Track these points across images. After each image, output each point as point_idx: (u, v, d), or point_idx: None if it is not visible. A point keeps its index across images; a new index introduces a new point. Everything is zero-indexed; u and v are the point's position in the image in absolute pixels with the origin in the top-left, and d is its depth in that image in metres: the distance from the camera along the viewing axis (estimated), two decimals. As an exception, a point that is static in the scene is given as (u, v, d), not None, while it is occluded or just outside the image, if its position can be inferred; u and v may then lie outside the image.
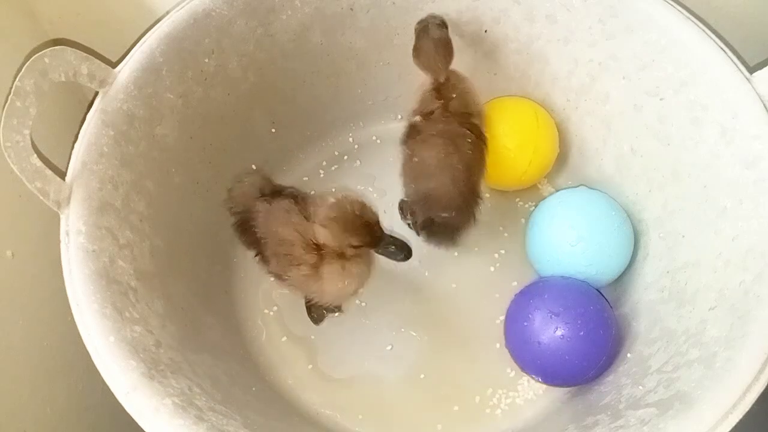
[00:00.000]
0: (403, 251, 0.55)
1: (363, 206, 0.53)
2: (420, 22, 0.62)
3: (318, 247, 0.55)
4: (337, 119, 0.74)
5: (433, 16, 0.62)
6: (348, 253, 0.55)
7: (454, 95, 0.61)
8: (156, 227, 0.56)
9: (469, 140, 0.61)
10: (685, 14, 0.56)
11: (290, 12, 0.63)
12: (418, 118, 0.62)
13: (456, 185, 0.60)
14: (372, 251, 0.56)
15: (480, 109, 0.63)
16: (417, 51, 0.62)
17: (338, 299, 0.59)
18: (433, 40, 0.61)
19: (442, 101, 0.61)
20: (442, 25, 0.62)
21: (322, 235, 0.53)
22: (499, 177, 0.70)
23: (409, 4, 0.66)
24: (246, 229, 0.59)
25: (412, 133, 0.62)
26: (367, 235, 0.53)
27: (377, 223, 0.54)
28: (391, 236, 0.55)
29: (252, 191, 0.59)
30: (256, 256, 0.60)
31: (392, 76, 0.72)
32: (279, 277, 0.59)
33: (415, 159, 0.61)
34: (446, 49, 0.61)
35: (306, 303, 0.66)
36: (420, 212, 0.64)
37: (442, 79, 0.61)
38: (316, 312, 0.66)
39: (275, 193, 0.59)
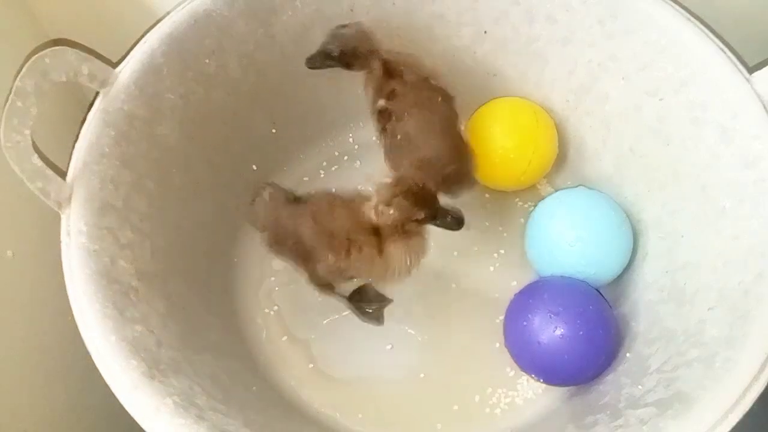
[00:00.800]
0: (460, 221, 0.56)
1: (423, 181, 0.54)
2: (320, 51, 0.61)
3: (376, 230, 0.55)
4: (337, 119, 0.74)
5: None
6: (409, 229, 0.55)
7: (402, 67, 0.61)
8: (157, 227, 0.56)
9: (440, 98, 0.61)
10: (685, 14, 0.57)
11: (291, 13, 0.63)
12: (382, 102, 0.61)
13: (446, 140, 0.61)
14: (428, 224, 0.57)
15: (431, 69, 0.62)
16: (344, 56, 0.60)
17: (400, 276, 0.58)
18: (350, 35, 0.60)
19: (396, 78, 0.61)
20: (340, 27, 0.61)
21: (385, 214, 0.54)
22: (498, 177, 0.70)
23: (409, 4, 0.66)
24: (282, 241, 0.59)
25: (384, 118, 0.62)
26: (432, 207, 0.55)
27: (436, 195, 0.55)
28: (447, 207, 0.56)
29: (278, 201, 0.59)
30: (296, 265, 0.59)
31: (392, 76, 0.72)
32: (339, 273, 0.58)
33: (399, 137, 0.61)
34: (366, 33, 0.61)
35: (358, 309, 0.65)
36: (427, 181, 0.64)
37: (383, 58, 0.61)
38: (369, 315, 0.65)
39: (298, 199, 0.59)
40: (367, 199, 0.56)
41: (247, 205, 0.62)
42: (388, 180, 0.55)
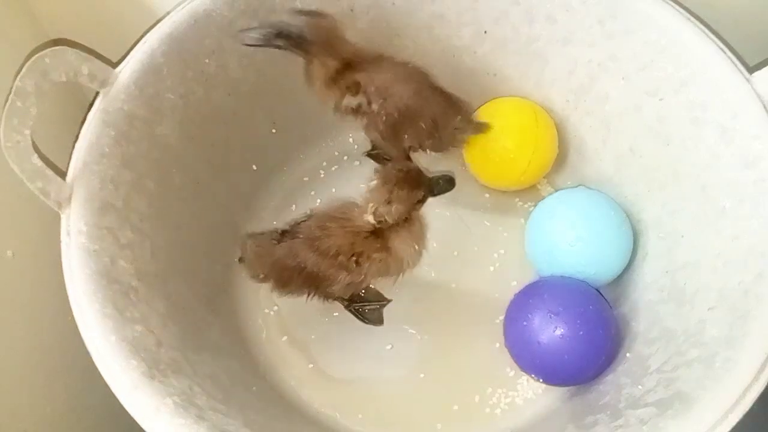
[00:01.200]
0: (451, 180, 0.57)
1: (404, 163, 0.55)
2: (279, 30, 0.57)
3: (376, 230, 0.56)
4: (337, 119, 0.74)
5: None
6: (409, 216, 0.56)
7: (350, 56, 0.60)
8: (157, 227, 0.56)
9: (410, 65, 0.62)
10: (685, 14, 0.57)
11: (291, 13, 0.63)
12: (349, 99, 0.61)
13: (442, 96, 0.62)
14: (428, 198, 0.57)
15: (375, 51, 0.62)
16: (308, 45, 0.57)
17: (414, 263, 0.59)
18: (326, 28, 0.58)
19: (350, 70, 0.60)
20: (309, 13, 0.58)
21: (389, 213, 0.54)
22: (498, 177, 0.70)
23: (409, 4, 0.66)
24: (288, 280, 0.58)
25: (359, 111, 0.61)
26: (426, 181, 0.55)
27: (421, 170, 0.56)
28: (434, 175, 0.56)
29: (267, 246, 0.58)
30: (309, 295, 0.59)
31: (392, 77, 0.72)
32: (356, 286, 0.59)
33: (396, 114, 0.61)
34: (341, 30, 0.59)
35: (356, 312, 0.66)
36: (436, 136, 0.64)
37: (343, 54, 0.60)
38: (369, 315, 0.65)
39: (285, 233, 0.58)
40: (356, 204, 0.57)
41: (238, 263, 0.61)
42: (374, 183, 0.55)
